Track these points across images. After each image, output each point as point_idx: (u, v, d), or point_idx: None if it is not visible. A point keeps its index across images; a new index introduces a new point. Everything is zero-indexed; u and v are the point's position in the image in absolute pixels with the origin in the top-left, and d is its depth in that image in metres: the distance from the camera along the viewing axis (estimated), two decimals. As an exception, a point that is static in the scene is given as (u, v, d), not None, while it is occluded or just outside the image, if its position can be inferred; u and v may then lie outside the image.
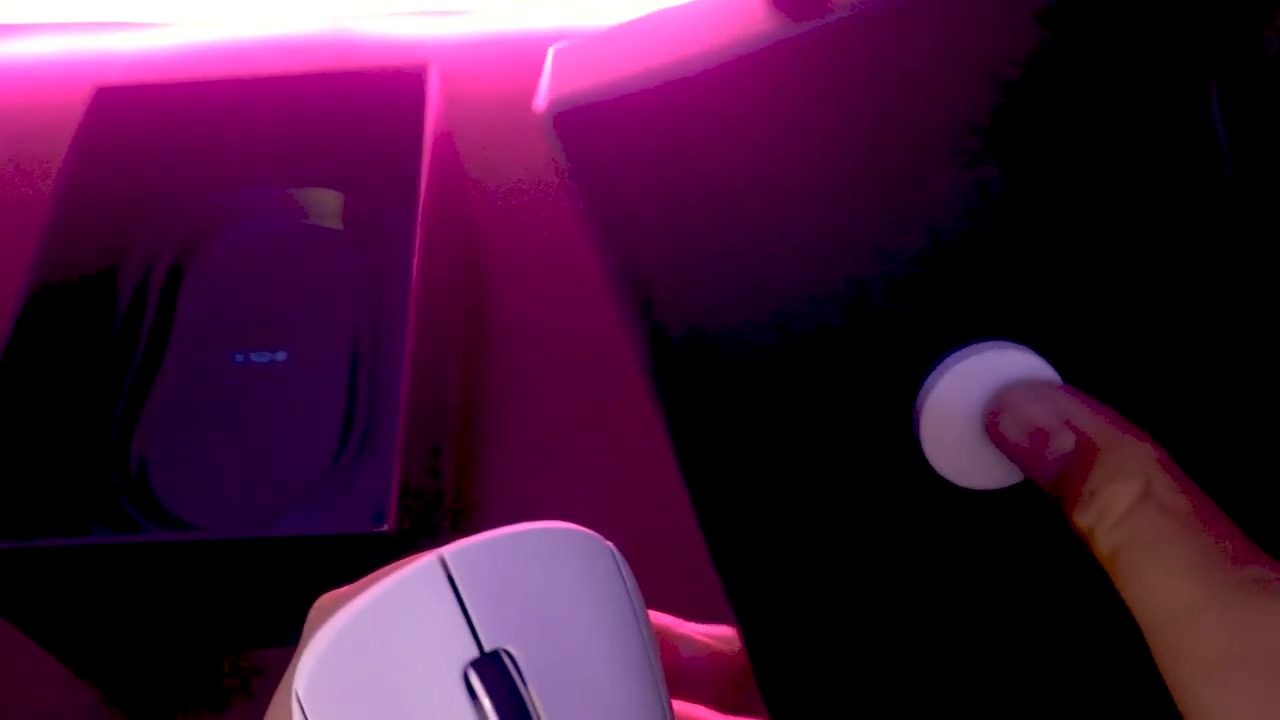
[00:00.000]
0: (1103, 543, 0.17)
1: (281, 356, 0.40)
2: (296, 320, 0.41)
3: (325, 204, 0.43)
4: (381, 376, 0.38)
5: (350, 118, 0.45)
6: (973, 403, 0.18)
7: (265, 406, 0.39)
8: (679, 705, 0.24)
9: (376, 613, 0.20)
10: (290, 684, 0.19)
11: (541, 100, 0.15)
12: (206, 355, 0.41)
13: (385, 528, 0.34)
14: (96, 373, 0.40)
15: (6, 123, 0.58)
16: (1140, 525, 0.17)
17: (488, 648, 0.20)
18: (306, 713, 0.19)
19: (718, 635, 0.24)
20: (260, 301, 0.42)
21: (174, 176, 0.44)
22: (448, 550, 0.20)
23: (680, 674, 0.24)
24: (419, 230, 0.40)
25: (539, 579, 0.21)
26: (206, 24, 0.62)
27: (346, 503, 0.36)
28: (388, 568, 0.21)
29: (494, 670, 0.19)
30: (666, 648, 0.24)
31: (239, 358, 0.40)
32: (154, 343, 0.41)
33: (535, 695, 0.20)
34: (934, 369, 0.19)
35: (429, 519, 0.37)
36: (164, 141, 0.45)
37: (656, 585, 0.39)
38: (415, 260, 0.39)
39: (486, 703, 0.19)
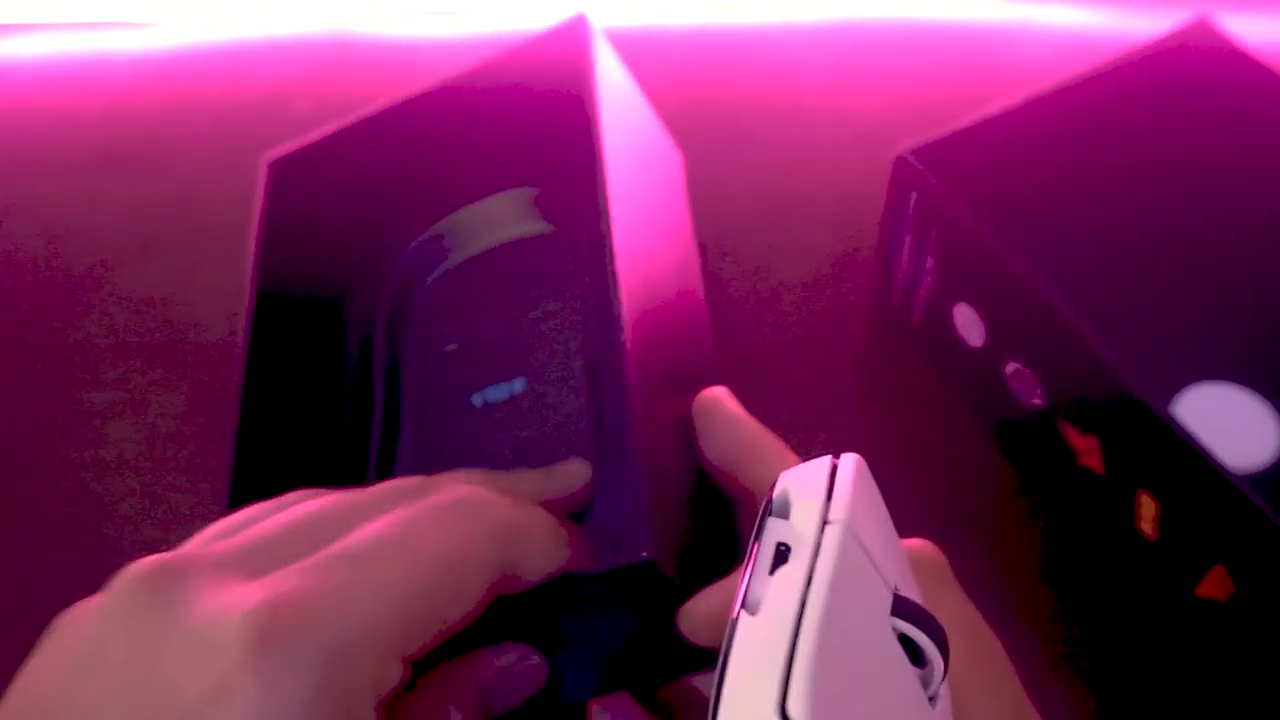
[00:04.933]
0: None
1: (519, 386, 0.35)
2: (526, 341, 0.36)
3: (521, 206, 0.39)
4: (613, 382, 0.32)
5: (512, 106, 0.40)
6: None
7: (514, 444, 0.34)
8: None
9: (835, 599, 0.21)
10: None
11: None
12: (443, 403, 0.36)
13: (643, 557, 0.28)
14: (336, 449, 0.36)
15: (6, 122, 0.58)
16: None
17: (891, 589, 0.22)
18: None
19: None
20: (484, 330, 0.37)
21: (359, 230, 0.41)
22: (846, 516, 0.22)
23: None
24: (609, 200, 0.33)
25: (870, 510, 0.24)
26: (206, 24, 0.62)
27: (601, 535, 0.30)
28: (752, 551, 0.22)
29: (910, 608, 0.22)
30: None
31: (478, 400, 0.36)
32: (390, 405, 0.37)
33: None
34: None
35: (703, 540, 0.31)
36: (340, 196, 0.42)
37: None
38: (613, 236, 0.32)
39: (919, 634, 0.22)
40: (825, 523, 0.22)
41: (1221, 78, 0.44)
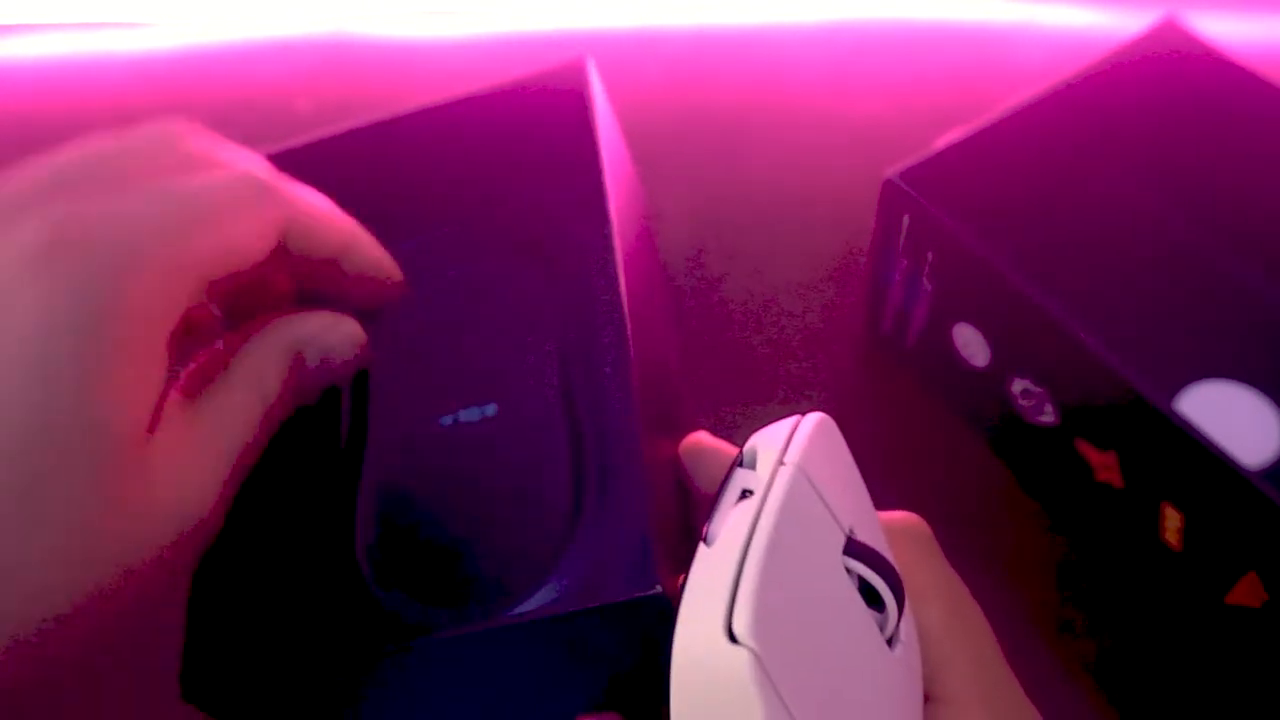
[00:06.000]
0: None
1: (492, 410, 0.34)
2: (499, 364, 0.35)
3: (500, 233, 0.38)
4: (607, 409, 0.32)
5: (503, 134, 0.40)
6: None
7: (489, 470, 0.33)
8: None
9: (782, 531, 0.22)
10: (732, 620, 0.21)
11: None
12: (414, 424, 0.35)
13: (656, 589, 0.28)
14: (320, 484, 0.34)
15: (6, 123, 0.58)
16: None
17: (845, 532, 0.24)
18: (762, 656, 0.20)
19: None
20: (455, 352, 0.36)
21: None
22: (798, 458, 0.23)
23: None
24: (616, 240, 0.34)
25: (830, 460, 0.25)
26: (206, 24, 0.62)
27: (604, 566, 0.29)
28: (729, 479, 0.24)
29: (863, 550, 0.24)
30: None
31: (448, 420, 0.35)
32: (356, 427, 0.36)
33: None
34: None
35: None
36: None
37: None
38: (621, 276, 0.33)
39: (871, 574, 0.23)
40: (780, 465, 0.23)
41: (1195, 77, 0.44)
